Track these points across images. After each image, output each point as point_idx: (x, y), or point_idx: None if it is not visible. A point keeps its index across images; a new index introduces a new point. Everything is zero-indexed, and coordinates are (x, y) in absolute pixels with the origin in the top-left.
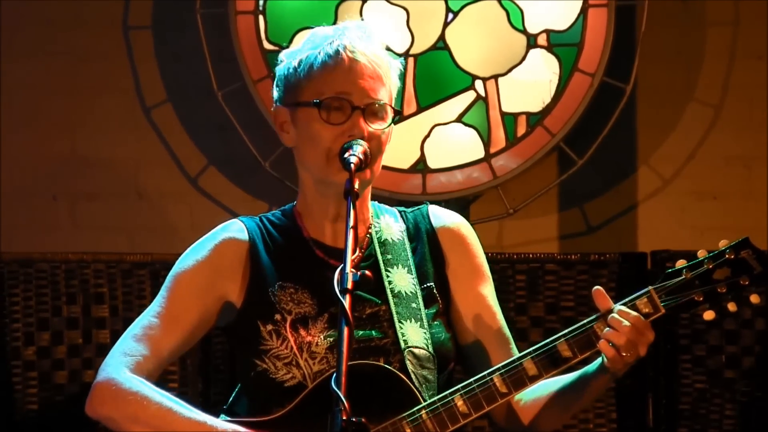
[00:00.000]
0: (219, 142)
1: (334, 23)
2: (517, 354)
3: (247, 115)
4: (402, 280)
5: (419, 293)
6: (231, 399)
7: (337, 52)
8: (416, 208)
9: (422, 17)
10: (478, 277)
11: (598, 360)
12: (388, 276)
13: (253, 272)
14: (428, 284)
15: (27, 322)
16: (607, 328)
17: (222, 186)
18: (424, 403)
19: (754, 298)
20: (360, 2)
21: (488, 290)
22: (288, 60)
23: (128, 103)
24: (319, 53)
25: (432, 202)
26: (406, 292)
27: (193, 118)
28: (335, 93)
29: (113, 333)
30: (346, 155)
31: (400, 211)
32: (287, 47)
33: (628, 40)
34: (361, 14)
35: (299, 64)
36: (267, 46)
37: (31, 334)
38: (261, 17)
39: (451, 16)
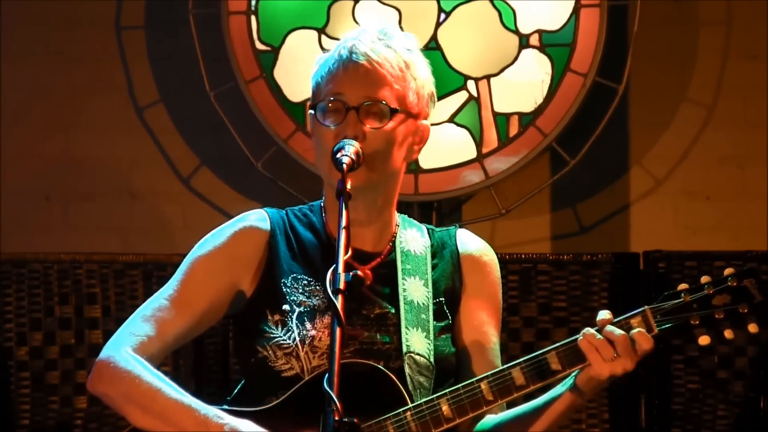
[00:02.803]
0: (211, 143)
1: (326, 24)
2: None
3: (240, 115)
4: (417, 290)
5: (431, 306)
6: (235, 392)
7: (340, 55)
8: (445, 228)
9: (414, 17)
10: (486, 303)
11: (569, 379)
12: (403, 284)
13: (269, 263)
14: (440, 299)
15: (20, 322)
16: (591, 330)
17: (214, 186)
18: (410, 405)
19: (752, 328)
20: (352, 2)
21: (491, 318)
22: (315, 65)
23: (121, 103)
24: (329, 58)
25: (424, 204)
26: (418, 302)
27: (185, 119)
28: (330, 94)
29: (106, 333)
30: (338, 155)
31: (428, 228)
32: (279, 47)
33: (621, 40)
34: (353, 14)
35: (317, 69)
36: (259, 46)
37: (24, 334)
38: (253, 17)
39: (443, 16)
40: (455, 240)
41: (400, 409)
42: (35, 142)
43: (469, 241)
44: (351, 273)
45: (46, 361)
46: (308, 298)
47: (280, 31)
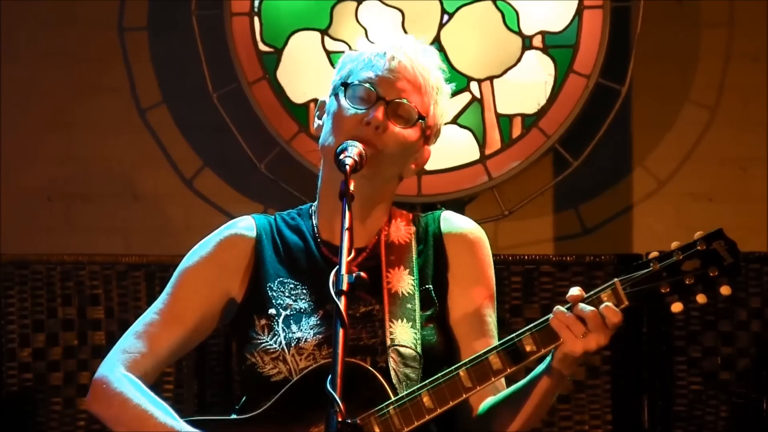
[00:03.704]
0: (214, 144)
1: (329, 25)
2: None
3: (243, 116)
4: (401, 281)
5: (417, 295)
6: (242, 401)
7: (385, 51)
8: (430, 213)
9: (417, 18)
10: (477, 283)
11: (546, 359)
12: (387, 276)
13: (256, 268)
14: (427, 286)
15: (22, 323)
16: (562, 308)
17: (217, 187)
18: (393, 399)
19: (725, 290)
20: (355, 3)
21: (484, 298)
22: (343, 59)
23: (123, 104)
24: (370, 52)
25: (427, 206)
26: (403, 293)
27: (188, 120)
28: (365, 81)
29: (108, 335)
30: (341, 157)
31: (414, 216)
32: (282, 49)
33: (623, 41)
34: (356, 16)
35: (349, 61)
36: (262, 47)
37: (27, 335)
38: (256, 19)
39: (446, 17)
40: (439, 222)
41: (384, 404)
42: (38, 143)
43: (453, 222)
44: (354, 274)
45: (48, 362)
46: (294, 301)
47: (283, 33)
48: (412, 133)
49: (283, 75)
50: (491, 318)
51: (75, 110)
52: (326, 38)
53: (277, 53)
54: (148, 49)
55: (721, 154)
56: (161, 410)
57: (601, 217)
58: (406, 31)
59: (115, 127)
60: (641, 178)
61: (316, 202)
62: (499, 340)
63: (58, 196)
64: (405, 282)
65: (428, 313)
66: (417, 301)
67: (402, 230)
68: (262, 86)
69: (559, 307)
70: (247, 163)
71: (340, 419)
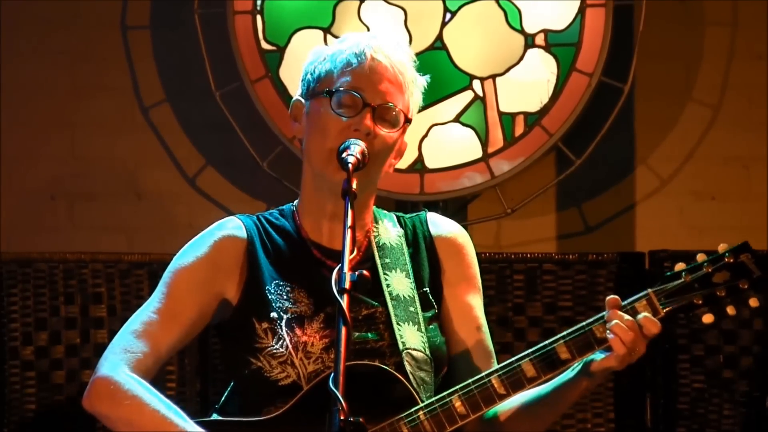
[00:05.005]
0: (217, 143)
1: (332, 23)
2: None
3: (246, 115)
4: (400, 283)
5: (417, 297)
6: (223, 398)
7: (363, 51)
8: (415, 214)
9: (420, 17)
10: (469, 287)
11: (577, 366)
12: (386, 279)
13: (250, 270)
14: (424, 289)
15: (25, 322)
16: (615, 321)
17: (220, 186)
18: (422, 404)
19: (753, 302)
20: (358, 2)
21: (477, 302)
22: (314, 57)
23: (126, 102)
24: (345, 51)
25: (429, 204)
26: (404, 296)
27: (191, 118)
28: (350, 87)
29: (111, 333)
30: (343, 155)
31: (398, 216)
32: (285, 47)
33: (626, 39)
34: (359, 14)
35: (324, 60)
36: (265, 46)
37: (29, 334)
38: (259, 17)
39: (449, 15)
40: (427, 225)
41: (413, 409)
42: (41, 141)
43: (441, 223)
44: (356, 273)
45: (51, 360)
46: (293, 304)
47: (286, 31)
48: (397, 134)
49: (285, 73)
50: (485, 321)
51: (78, 109)
52: (329, 36)
53: (280, 51)
54: (150, 47)
55: (724, 153)
56: (179, 417)
57: (604, 215)
58: (408, 30)
59: (117, 126)
60: (644, 177)
61: (296, 202)
62: (493, 339)
63: (61, 195)
64: (404, 285)
65: (428, 314)
66: (418, 304)
67: (390, 232)
68: (265, 85)
69: (615, 320)
70: (249, 162)
71: (342, 417)
